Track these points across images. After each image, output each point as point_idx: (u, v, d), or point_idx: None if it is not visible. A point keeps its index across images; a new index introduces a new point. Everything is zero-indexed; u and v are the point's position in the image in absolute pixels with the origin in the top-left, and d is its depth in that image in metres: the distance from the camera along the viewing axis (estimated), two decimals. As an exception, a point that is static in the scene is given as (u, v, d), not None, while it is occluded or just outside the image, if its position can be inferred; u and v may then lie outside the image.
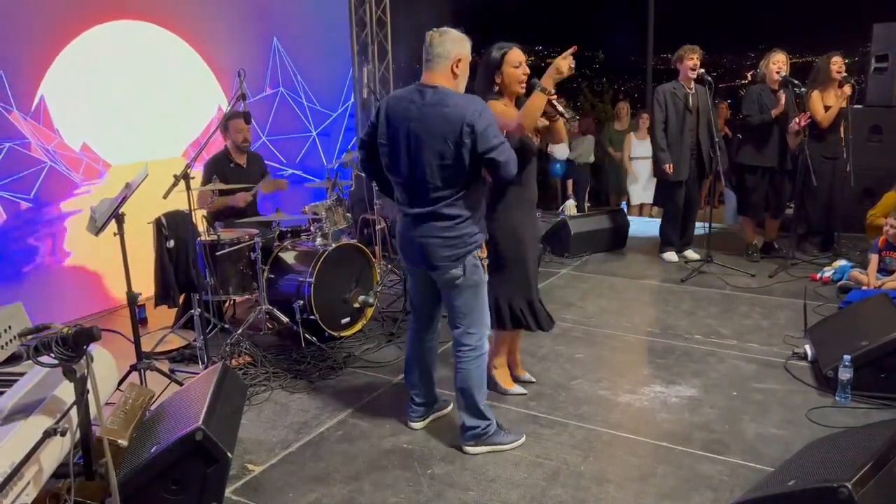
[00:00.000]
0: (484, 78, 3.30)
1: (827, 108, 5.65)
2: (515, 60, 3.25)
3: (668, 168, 5.74)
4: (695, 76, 5.61)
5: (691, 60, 5.62)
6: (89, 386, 1.92)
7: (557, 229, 6.25)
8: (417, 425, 3.35)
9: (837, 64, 5.65)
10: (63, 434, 1.98)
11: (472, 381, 3.07)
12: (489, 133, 2.76)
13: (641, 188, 8.16)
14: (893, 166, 5.94)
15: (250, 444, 3.25)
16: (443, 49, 2.85)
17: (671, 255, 6.13)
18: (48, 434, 1.96)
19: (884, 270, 4.87)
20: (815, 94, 5.72)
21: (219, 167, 4.74)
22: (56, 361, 1.86)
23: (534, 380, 3.81)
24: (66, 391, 2.17)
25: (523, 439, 3.18)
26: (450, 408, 3.46)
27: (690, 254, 6.11)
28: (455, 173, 2.83)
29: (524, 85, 3.27)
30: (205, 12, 5.94)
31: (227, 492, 2.78)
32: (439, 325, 3.32)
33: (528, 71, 3.28)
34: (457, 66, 2.88)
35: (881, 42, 6.33)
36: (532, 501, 2.76)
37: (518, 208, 3.34)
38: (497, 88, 3.29)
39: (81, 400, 1.94)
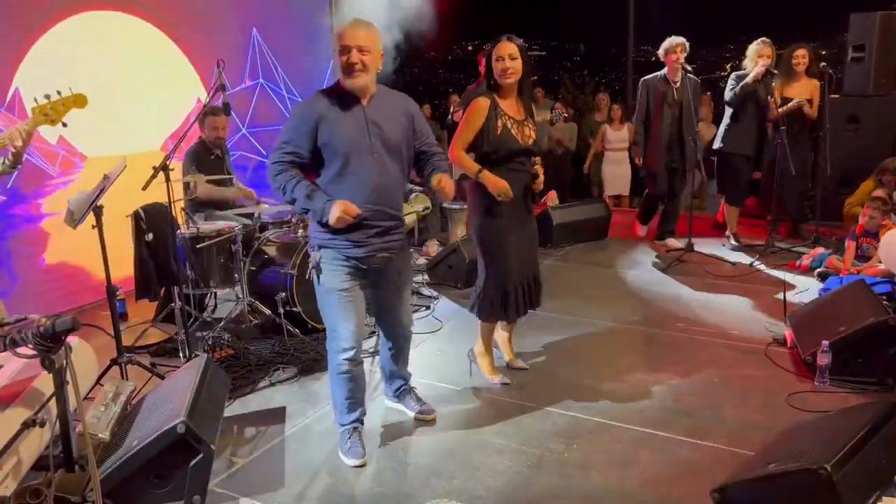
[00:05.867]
0: (486, 72, 3.39)
1: (786, 101, 5.72)
2: (495, 55, 3.31)
3: (637, 160, 6.17)
4: (679, 68, 5.64)
5: (675, 54, 5.65)
6: (68, 377, 1.90)
7: (540, 220, 6.26)
8: (392, 403, 3.43)
9: (797, 57, 5.75)
10: (42, 425, 1.96)
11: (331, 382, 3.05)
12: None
13: (616, 178, 8.15)
14: (870, 155, 6.01)
15: (234, 437, 3.23)
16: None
17: (642, 230, 6.50)
18: (27, 425, 1.94)
19: (861, 257, 4.94)
20: (776, 86, 5.79)
21: (200, 158, 4.70)
22: (34, 352, 1.83)
23: (527, 367, 3.84)
24: (45, 383, 2.14)
25: (359, 462, 2.96)
26: (434, 413, 3.37)
27: (673, 242, 6.15)
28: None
29: (506, 79, 3.31)
30: (183, 3, 5.86)
31: (212, 484, 2.76)
32: (399, 316, 3.17)
33: (507, 66, 3.26)
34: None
35: (857, 32, 6.40)
36: (517, 489, 2.77)
37: (499, 201, 3.33)
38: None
39: (60, 391, 1.91)
